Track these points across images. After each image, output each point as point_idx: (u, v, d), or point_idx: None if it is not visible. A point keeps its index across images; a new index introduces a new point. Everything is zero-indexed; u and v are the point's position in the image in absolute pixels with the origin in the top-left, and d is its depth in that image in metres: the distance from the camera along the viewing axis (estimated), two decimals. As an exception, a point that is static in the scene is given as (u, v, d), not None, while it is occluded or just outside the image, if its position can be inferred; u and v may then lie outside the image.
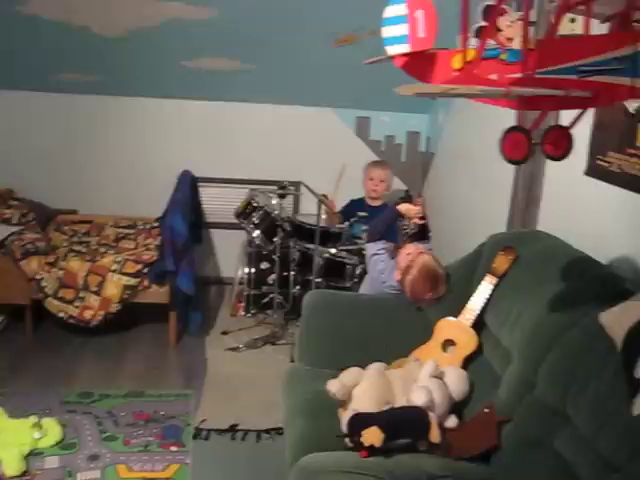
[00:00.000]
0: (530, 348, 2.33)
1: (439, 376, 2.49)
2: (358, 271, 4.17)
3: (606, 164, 2.65)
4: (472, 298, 2.69)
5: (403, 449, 2.20)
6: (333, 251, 4.19)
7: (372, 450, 2.12)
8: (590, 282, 2.37)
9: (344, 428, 2.25)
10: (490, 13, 1.38)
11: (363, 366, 2.62)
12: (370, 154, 5.08)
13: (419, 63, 1.53)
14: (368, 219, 4.41)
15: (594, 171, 2.73)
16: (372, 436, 2.14)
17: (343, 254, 4.20)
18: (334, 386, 2.37)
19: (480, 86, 1.26)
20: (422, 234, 3.18)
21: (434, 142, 4.96)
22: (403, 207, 3.14)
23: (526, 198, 3.25)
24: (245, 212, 4.35)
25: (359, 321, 2.88)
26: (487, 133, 4.02)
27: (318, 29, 4.00)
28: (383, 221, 3.22)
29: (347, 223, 4.50)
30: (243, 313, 4.48)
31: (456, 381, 2.52)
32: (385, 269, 3.07)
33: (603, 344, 2.00)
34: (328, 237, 4.64)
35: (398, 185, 5.03)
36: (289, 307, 4.39)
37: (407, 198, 5.01)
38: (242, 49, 4.27)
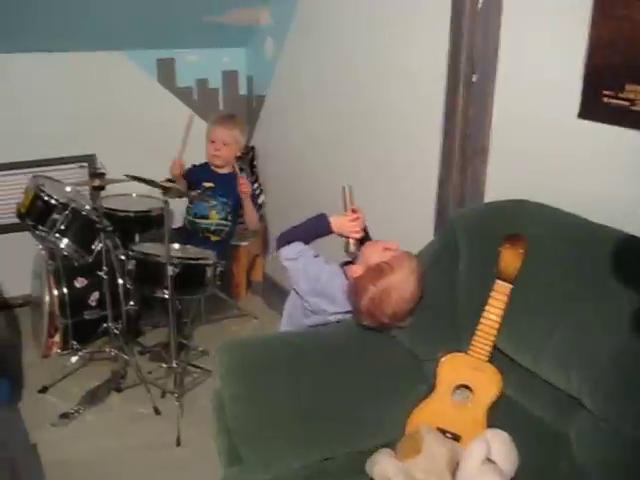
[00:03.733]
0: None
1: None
2: (219, 269, 3.11)
3: (624, 102, 1.90)
4: (482, 320, 1.85)
5: None
6: (178, 249, 3.08)
7: None
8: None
9: None
10: None
11: (341, 450, 1.72)
12: (180, 105, 3.93)
13: None
14: (216, 190, 3.38)
15: (597, 112, 1.98)
16: None
17: (196, 252, 3.10)
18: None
19: None
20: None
21: (261, 82, 3.92)
22: (336, 222, 2.17)
23: (464, 153, 2.44)
24: (34, 211, 3.05)
25: (316, 378, 1.89)
26: (346, 62, 3.18)
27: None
28: (306, 229, 2.20)
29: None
30: (59, 351, 3.21)
31: (505, 454, 1.70)
32: (321, 271, 2.14)
33: None
34: (149, 223, 3.52)
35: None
36: (124, 329, 3.21)
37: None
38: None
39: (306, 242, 2.17)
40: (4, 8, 3.04)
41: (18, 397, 2.94)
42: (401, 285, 1.90)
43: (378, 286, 1.91)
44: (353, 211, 2.19)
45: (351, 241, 2.17)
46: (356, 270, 2.02)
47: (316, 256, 2.18)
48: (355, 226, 2.17)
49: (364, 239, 2.22)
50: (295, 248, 2.16)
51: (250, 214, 3.47)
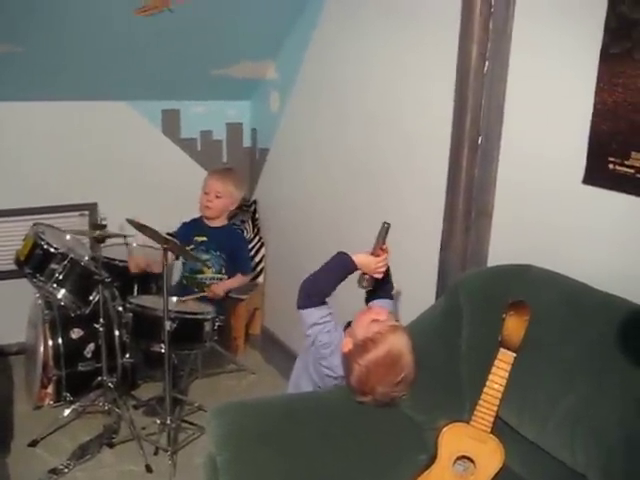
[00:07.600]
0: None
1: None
2: (217, 324, 3.07)
3: (629, 169, 1.89)
4: (485, 389, 1.80)
5: None
6: (176, 302, 3.04)
7: None
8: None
9: None
10: None
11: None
12: (183, 156, 3.95)
13: None
14: (209, 244, 3.35)
15: (602, 179, 1.97)
16: None
17: (194, 306, 3.06)
18: None
19: None
20: (380, 289, 2.21)
21: (265, 135, 3.94)
22: (361, 258, 2.08)
23: (468, 215, 2.42)
24: (33, 259, 3.00)
25: (312, 446, 1.83)
26: (347, 119, 3.18)
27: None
28: (329, 273, 2.06)
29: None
30: (51, 402, 3.14)
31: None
32: (330, 344, 2.05)
33: None
34: (148, 274, 3.49)
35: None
36: (119, 382, 3.15)
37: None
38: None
39: (333, 288, 2.05)
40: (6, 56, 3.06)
41: (7, 450, 2.85)
42: (385, 361, 1.84)
43: (361, 364, 1.86)
44: (382, 250, 2.13)
45: (366, 277, 2.11)
46: (346, 344, 1.95)
47: (327, 331, 2.06)
48: (382, 266, 2.12)
49: (384, 280, 2.18)
50: (318, 313, 2.04)
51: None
